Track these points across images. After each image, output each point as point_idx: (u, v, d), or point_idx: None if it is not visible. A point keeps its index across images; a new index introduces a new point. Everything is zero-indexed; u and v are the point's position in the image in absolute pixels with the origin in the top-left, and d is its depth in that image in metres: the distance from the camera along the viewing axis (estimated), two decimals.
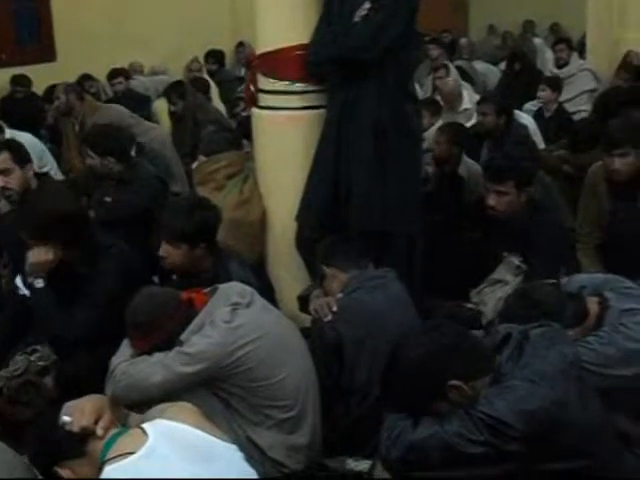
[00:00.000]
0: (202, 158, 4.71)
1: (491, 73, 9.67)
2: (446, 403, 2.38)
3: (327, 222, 3.90)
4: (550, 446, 2.31)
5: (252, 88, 4.26)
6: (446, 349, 2.37)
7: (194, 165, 4.97)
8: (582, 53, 8.83)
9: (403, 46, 3.80)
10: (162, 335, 2.96)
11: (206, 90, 8.16)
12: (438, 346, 2.38)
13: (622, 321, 2.81)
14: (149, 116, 7.55)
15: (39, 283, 3.53)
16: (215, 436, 2.29)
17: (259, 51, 4.15)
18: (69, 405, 2.38)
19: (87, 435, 2.29)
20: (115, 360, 3.01)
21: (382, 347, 3.20)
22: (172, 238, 3.53)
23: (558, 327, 2.57)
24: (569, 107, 7.39)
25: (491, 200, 4.09)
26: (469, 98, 7.17)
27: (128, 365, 2.95)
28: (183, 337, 2.93)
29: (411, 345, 2.43)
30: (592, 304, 2.88)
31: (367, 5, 3.72)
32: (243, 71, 9.50)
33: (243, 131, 5.22)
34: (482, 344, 2.50)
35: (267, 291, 3.64)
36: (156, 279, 4.23)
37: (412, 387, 2.40)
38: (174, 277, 3.83)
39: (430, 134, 6.05)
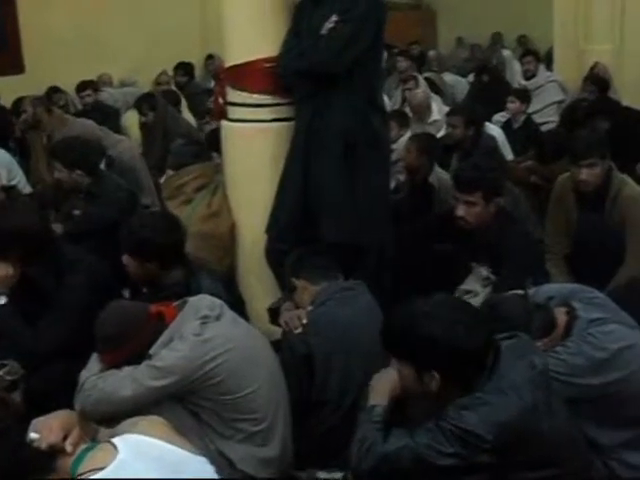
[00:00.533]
0: (170, 172, 4.70)
1: (460, 85, 9.74)
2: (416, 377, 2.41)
3: (297, 234, 3.90)
4: (520, 456, 2.32)
5: (221, 101, 4.27)
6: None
7: (162, 179, 4.96)
8: (549, 65, 8.93)
9: (371, 58, 3.84)
10: (131, 349, 2.94)
11: (177, 102, 8.15)
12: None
13: (590, 331, 2.83)
14: (118, 128, 7.52)
15: (1, 300, 3.49)
16: (186, 449, 2.28)
17: (228, 64, 4.16)
18: (37, 422, 2.36)
19: (56, 452, 2.27)
20: (84, 374, 2.99)
21: (353, 359, 3.23)
22: (126, 250, 3.54)
23: (527, 338, 2.59)
24: (537, 118, 7.47)
25: (460, 211, 4.11)
26: (438, 110, 7.22)
27: (97, 379, 2.93)
28: (152, 351, 2.92)
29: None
30: (560, 314, 2.89)
31: (335, 18, 3.73)
32: (213, 83, 9.49)
33: (211, 144, 5.22)
34: None
35: (237, 304, 3.65)
36: (127, 293, 4.21)
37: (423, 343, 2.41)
38: (144, 290, 3.81)
39: (399, 145, 6.09)
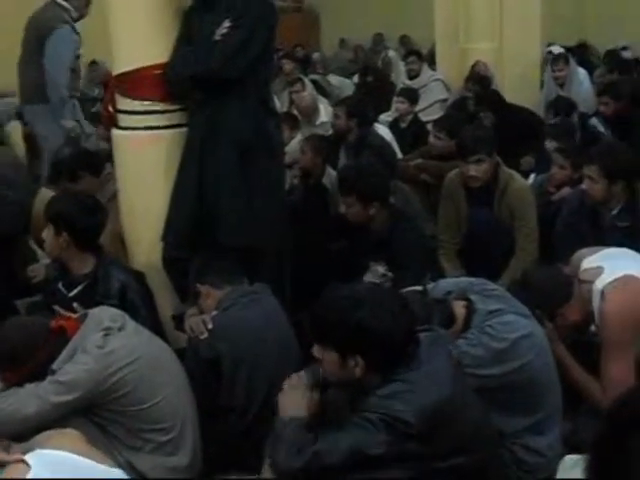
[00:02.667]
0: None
1: (345, 86, 9.84)
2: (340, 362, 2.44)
3: (194, 241, 3.88)
4: (440, 444, 2.38)
5: (110, 109, 4.21)
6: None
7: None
8: (432, 64, 9.11)
9: (263, 63, 3.86)
10: (33, 366, 2.88)
11: None
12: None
13: (488, 322, 2.90)
14: (2, 140, 7.32)
15: None
16: (100, 462, 2.25)
17: (116, 71, 4.09)
18: None
19: None
20: None
21: (261, 362, 3.24)
22: (46, 217, 3.70)
23: (443, 331, 2.66)
24: (423, 117, 7.61)
25: (342, 208, 4.21)
26: (325, 112, 7.28)
27: None
28: (56, 366, 2.87)
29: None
30: (459, 308, 2.96)
31: (227, 24, 3.73)
32: (97, 91, 9.33)
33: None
34: None
35: (149, 295, 3.76)
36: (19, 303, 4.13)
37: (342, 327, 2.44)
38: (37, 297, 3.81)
39: (290, 148, 6.12)
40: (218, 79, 3.76)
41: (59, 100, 6.47)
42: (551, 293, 3.26)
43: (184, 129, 3.97)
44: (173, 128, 4.01)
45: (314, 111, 7.21)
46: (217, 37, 3.75)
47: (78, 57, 6.81)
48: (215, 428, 3.28)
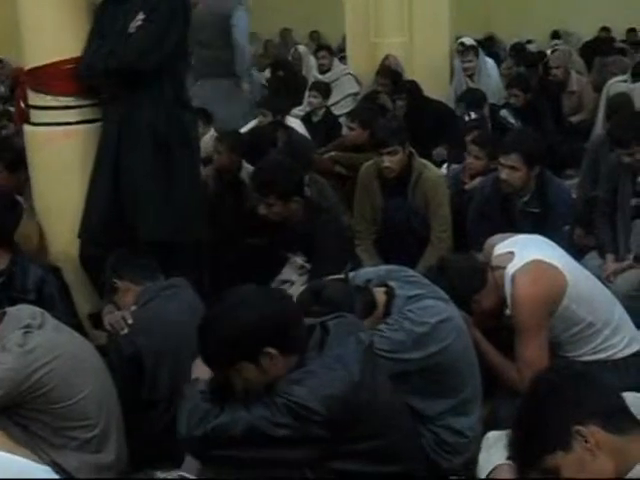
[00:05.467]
0: None
1: (257, 80, 9.82)
2: (254, 367, 2.41)
3: (111, 237, 3.85)
4: (349, 429, 2.40)
5: (22, 105, 4.15)
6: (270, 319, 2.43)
7: None
8: (342, 58, 9.18)
9: (178, 57, 3.85)
10: None
11: None
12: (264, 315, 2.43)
13: (409, 307, 2.96)
14: None
15: None
16: (28, 459, 2.23)
17: (27, 66, 4.03)
18: None
19: None
20: None
21: (182, 355, 3.23)
22: None
23: (353, 317, 2.68)
24: (335, 110, 7.67)
25: (262, 210, 4.20)
26: None
27: None
28: None
29: (232, 314, 2.46)
30: (379, 294, 3.01)
31: (141, 16, 3.72)
32: (2, 88, 9.14)
33: None
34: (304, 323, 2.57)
35: (66, 291, 3.75)
36: None
37: (227, 344, 2.41)
38: None
39: (204, 143, 6.10)
40: (132, 73, 3.74)
41: None
42: (467, 280, 3.33)
43: (99, 124, 3.94)
44: (87, 123, 3.98)
45: None
46: (131, 30, 3.74)
47: None
48: (139, 423, 3.27)
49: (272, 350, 2.40)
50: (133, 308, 3.39)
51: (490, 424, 2.98)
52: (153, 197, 3.82)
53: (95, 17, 3.89)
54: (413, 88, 7.14)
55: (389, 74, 7.76)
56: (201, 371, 2.60)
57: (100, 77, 3.82)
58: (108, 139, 3.86)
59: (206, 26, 6.92)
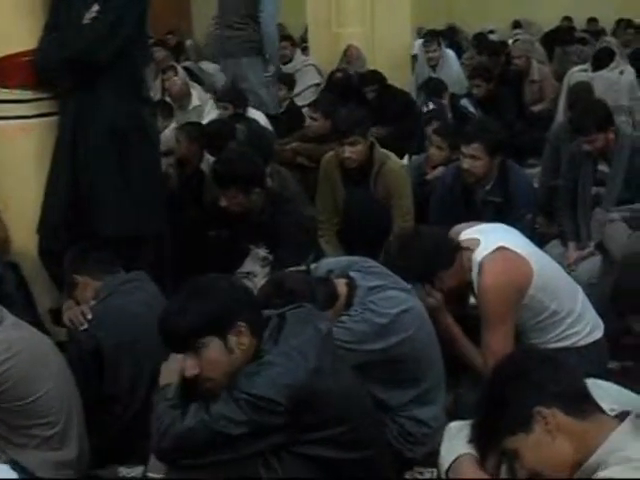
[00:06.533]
0: None
1: (219, 73, 9.76)
2: (221, 345, 2.40)
3: (71, 232, 3.81)
4: (311, 416, 2.39)
5: None
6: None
7: None
8: (305, 49, 9.16)
9: (136, 49, 3.81)
10: None
11: None
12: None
13: (370, 298, 2.96)
14: None
15: None
16: None
17: None
18: None
19: None
20: None
21: (144, 349, 3.21)
22: None
23: (311, 306, 2.67)
24: (297, 101, 7.66)
25: (222, 202, 4.17)
26: (198, 96, 7.33)
27: None
28: None
29: None
30: (341, 286, 3.01)
31: (96, 7, 3.68)
32: None
33: None
34: None
35: (26, 287, 3.70)
36: None
37: (201, 314, 2.40)
38: None
39: (165, 136, 6.06)
40: (88, 64, 3.70)
41: None
42: (436, 255, 3.28)
43: (56, 118, 3.88)
44: (45, 117, 3.91)
45: (186, 96, 7.25)
46: (86, 21, 3.69)
47: None
48: (101, 419, 3.24)
49: (243, 325, 2.39)
50: (92, 303, 3.35)
51: (454, 413, 2.99)
52: (111, 192, 3.78)
53: (51, 8, 3.83)
54: (381, 78, 7.14)
55: (351, 64, 7.76)
56: (169, 376, 2.58)
57: (55, 69, 3.76)
58: (65, 133, 3.81)
59: (239, 9, 7.13)
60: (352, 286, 3.01)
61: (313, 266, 3.19)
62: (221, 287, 2.48)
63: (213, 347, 2.39)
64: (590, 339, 3.36)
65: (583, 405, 1.94)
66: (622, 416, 1.96)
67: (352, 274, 3.05)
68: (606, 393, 2.14)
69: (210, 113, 6.93)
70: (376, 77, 7.18)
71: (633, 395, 2.38)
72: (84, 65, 3.71)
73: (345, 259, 3.30)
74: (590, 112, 4.63)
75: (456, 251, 3.30)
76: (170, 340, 2.48)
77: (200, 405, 2.42)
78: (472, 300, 3.38)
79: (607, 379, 2.44)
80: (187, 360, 2.42)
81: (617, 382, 2.35)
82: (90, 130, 3.76)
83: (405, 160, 5.66)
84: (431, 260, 3.25)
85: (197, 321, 2.39)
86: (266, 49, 7.22)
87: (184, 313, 2.41)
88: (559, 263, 4.12)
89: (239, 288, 2.56)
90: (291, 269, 3.12)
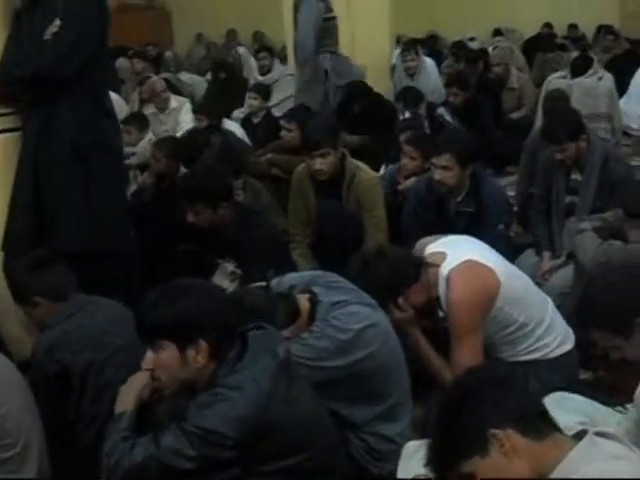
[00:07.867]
0: None
1: (197, 84, 9.78)
2: (177, 354, 2.38)
3: (34, 249, 3.75)
4: (265, 447, 2.35)
5: None
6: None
7: None
8: (284, 60, 9.12)
9: (97, 63, 3.78)
10: None
11: None
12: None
13: (333, 314, 2.91)
14: None
15: None
16: None
17: None
18: None
19: None
20: None
21: (107, 369, 3.14)
22: None
23: (272, 329, 2.62)
24: (275, 112, 7.61)
25: (189, 217, 4.12)
26: (176, 101, 7.39)
27: None
28: None
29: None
30: (303, 301, 2.95)
31: (57, 23, 3.64)
32: None
33: None
34: None
35: None
36: None
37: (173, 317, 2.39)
38: None
39: (140, 148, 6.03)
40: (49, 79, 3.67)
41: None
42: (399, 272, 3.26)
43: (18, 133, 3.85)
44: (7, 132, 3.88)
45: (165, 100, 7.27)
46: (47, 37, 3.65)
47: None
48: (63, 440, 3.18)
49: (203, 343, 2.37)
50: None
51: (422, 430, 2.95)
52: (73, 208, 3.75)
53: (13, 23, 3.80)
54: (367, 88, 7.07)
55: None
56: (126, 402, 2.54)
57: (17, 85, 3.73)
58: (27, 149, 3.77)
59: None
60: (314, 301, 2.96)
61: (275, 281, 3.13)
62: (198, 298, 2.43)
63: (169, 352, 2.39)
64: (560, 351, 3.33)
65: (540, 425, 1.91)
66: (581, 434, 1.93)
67: (315, 289, 3.01)
68: (575, 406, 2.11)
69: (186, 115, 6.93)
70: (363, 88, 7.09)
71: (602, 408, 2.36)
72: (45, 80, 3.67)
73: (309, 274, 3.26)
74: (562, 121, 4.61)
75: (420, 267, 3.27)
76: (138, 328, 2.50)
77: (150, 438, 2.38)
78: (441, 314, 3.35)
79: (578, 390, 2.42)
80: (147, 352, 2.45)
81: (589, 393, 2.32)
82: (50, 145, 3.73)
83: (382, 170, 5.62)
84: (394, 279, 3.22)
85: (160, 322, 2.39)
86: (297, 54, 6.90)
87: (154, 308, 2.41)
88: (533, 273, 4.11)
89: (219, 306, 2.46)
90: (251, 285, 3.06)
